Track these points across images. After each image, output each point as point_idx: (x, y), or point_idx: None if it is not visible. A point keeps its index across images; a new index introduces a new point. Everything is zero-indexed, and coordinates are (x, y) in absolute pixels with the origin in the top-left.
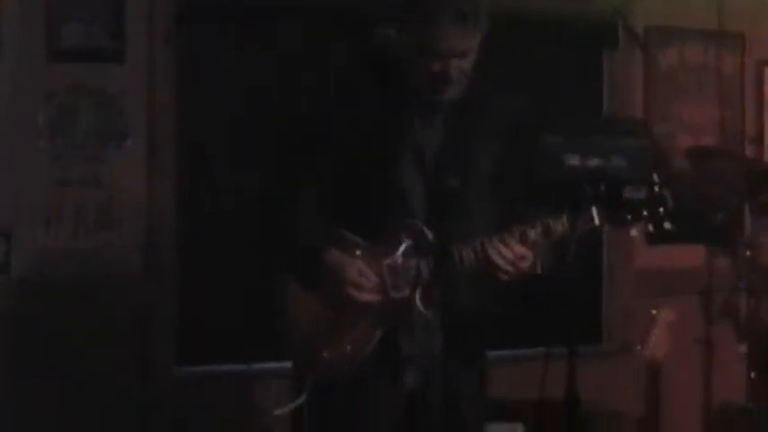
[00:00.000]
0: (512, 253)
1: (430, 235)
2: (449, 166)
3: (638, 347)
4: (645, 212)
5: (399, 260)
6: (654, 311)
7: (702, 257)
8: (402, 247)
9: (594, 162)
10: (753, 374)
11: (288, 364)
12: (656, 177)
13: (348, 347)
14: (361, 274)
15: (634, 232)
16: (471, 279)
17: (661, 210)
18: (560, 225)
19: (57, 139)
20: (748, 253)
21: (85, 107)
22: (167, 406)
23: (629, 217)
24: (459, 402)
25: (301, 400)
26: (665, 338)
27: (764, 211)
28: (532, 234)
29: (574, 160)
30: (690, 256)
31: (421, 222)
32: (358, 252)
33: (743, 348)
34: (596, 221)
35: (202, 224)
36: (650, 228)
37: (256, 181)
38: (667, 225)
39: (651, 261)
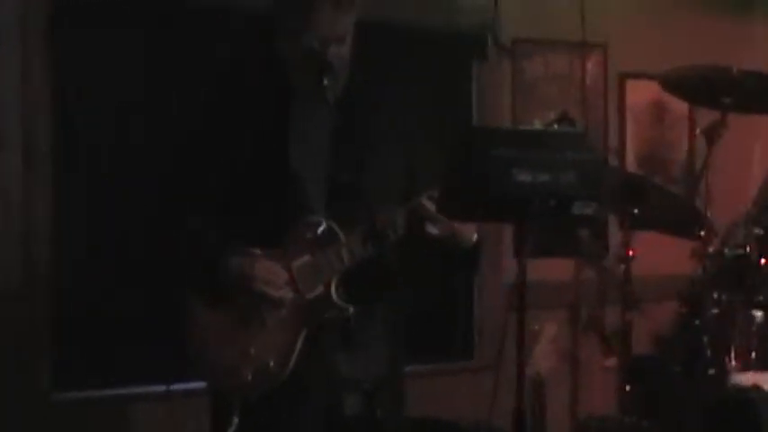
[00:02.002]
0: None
1: (335, 227)
2: (344, 161)
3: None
4: None
5: (308, 258)
6: (536, 326)
7: (570, 271)
8: (309, 245)
9: (544, 177)
10: (628, 387)
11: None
12: None
13: (271, 363)
14: (270, 272)
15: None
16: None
17: None
18: None
19: None
20: (622, 266)
21: None
22: None
23: None
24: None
25: (234, 425)
26: (549, 352)
27: (634, 223)
28: None
29: (524, 176)
30: (558, 269)
31: (324, 218)
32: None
33: (610, 362)
34: None
35: (84, 236)
36: None
37: (142, 189)
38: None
39: (515, 275)
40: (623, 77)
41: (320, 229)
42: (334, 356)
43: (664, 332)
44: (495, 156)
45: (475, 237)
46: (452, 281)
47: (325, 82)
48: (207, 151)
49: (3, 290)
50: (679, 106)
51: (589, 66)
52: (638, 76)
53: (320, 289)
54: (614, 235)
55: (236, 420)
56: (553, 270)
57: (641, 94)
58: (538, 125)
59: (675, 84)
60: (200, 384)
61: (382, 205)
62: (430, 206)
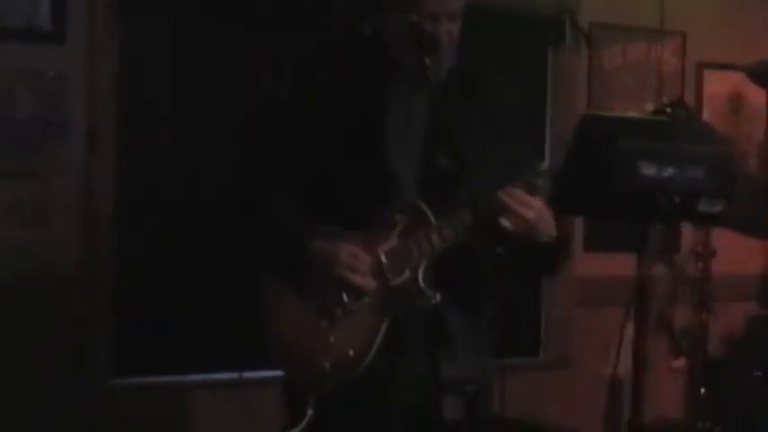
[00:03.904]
0: (518, 199)
1: (427, 210)
2: (439, 144)
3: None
4: None
5: (396, 243)
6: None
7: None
8: (398, 229)
9: (670, 171)
10: (702, 390)
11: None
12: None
13: (351, 352)
14: (355, 257)
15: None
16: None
17: None
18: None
19: None
20: (699, 264)
21: (23, 91)
22: (101, 419)
23: None
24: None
25: (308, 418)
26: (627, 355)
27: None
28: (539, 182)
29: (649, 169)
30: (624, 265)
31: (415, 200)
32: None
33: (677, 363)
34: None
35: (146, 221)
36: None
37: (207, 175)
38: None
39: (585, 270)
40: (701, 67)
41: (411, 212)
42: (436, 356)
43: (736, 334)
44: (620, 146)
45: (554, 232)
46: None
47: (427, 61)
48: (291, 130)
49: (63, 274)
50: (757, 98)
51: (667, 54)
52: (716, 65)
53: (407, 275)
54: (686, 230)
55: (310, 412)
56: (620, 266)
57: (719, 84)
58: (650, 109)
59: (763, 74)
60: (274, 373)
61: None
62: (508, 198)
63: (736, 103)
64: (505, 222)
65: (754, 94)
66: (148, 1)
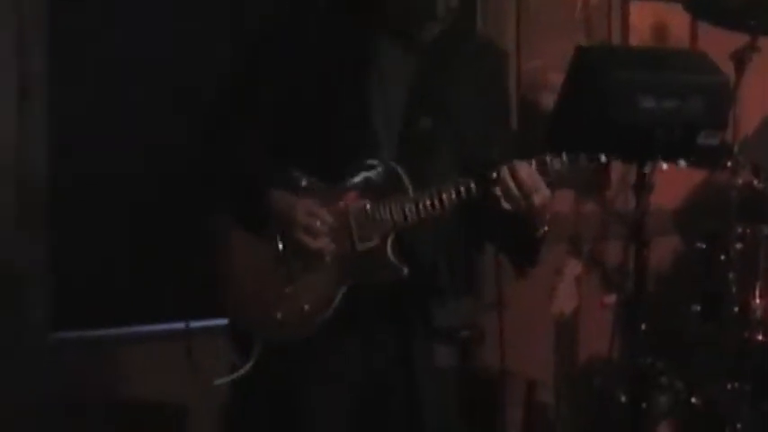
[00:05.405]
0: (529, 179)
1: (405, 177)
2: (423, 105)
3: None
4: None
5: (368, 206)
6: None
7: (569, 203)
8: (371, 191)
9: (669, 103)
10: (643, 326)
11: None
12: None
13: (306, 306)
14: (313, 216)
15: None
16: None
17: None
18: (558, 162)
19: None
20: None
21: None
22: (41, 376)
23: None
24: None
25: (248, 366)
26: (572, 293)
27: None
28: (556, 164)
29: (649, 102)
30: (557, 201)
31: (393, 163)
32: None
33: (609, 299)
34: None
35: (83, 171)
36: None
37: (150, 117)
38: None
39: None
40: None
41: (388, 176)
42: (426, 304)
43: (667, 269)
44: (618, 78)
45: (545, 228)
46: None
47: (426, 28)
48: (261, 72)
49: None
50: (680, 28)
51: None
52: None
53: (375, 242)
54: (616, 164)
55: (249, 364)
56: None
57: (643, 15)
58: None
59: (699, 5)
60: (220, 322)
61: (461, 165)
62: (509, 180)
63: (660, 33)
64: (506, 204)
65: (677, 23)
66: None
